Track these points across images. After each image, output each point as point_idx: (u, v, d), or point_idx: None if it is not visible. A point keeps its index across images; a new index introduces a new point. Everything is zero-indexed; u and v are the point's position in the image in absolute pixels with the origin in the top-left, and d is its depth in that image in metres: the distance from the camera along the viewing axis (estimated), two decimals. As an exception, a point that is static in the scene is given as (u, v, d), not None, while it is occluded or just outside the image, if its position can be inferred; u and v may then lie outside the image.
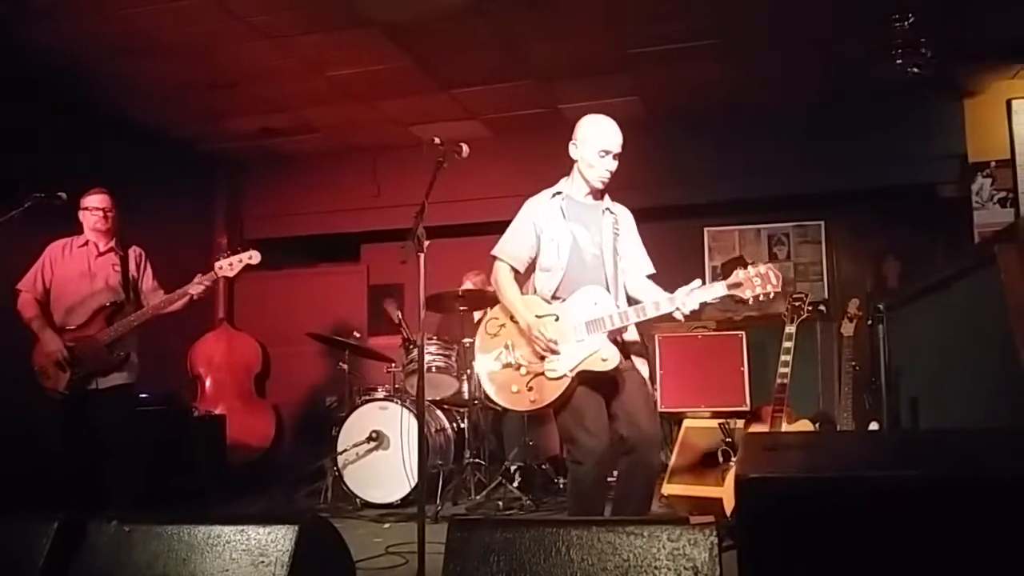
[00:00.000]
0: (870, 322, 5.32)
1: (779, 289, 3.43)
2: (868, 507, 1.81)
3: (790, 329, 4.52)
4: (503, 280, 3.83)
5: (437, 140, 3.71)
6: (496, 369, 3.78)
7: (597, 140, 3.70)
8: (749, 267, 3.48)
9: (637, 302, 3.67)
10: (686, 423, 5.43)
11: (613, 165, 3.72)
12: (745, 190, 7.65)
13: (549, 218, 3.79)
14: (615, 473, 3.73)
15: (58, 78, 6.33)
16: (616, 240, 3.79)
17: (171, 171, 7.70)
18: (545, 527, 2.36)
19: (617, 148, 3.71)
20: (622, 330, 3.67)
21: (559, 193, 3.84)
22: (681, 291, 3.52)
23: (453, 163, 3.78)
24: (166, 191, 7.35)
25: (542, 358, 3.63)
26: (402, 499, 5.84)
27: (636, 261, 3.85)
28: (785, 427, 4.37)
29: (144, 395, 5.93)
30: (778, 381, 4.44)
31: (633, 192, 6.75)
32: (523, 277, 3.89)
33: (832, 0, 5.52)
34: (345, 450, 6.00)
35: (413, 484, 5.72)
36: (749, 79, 6.84)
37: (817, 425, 4.70)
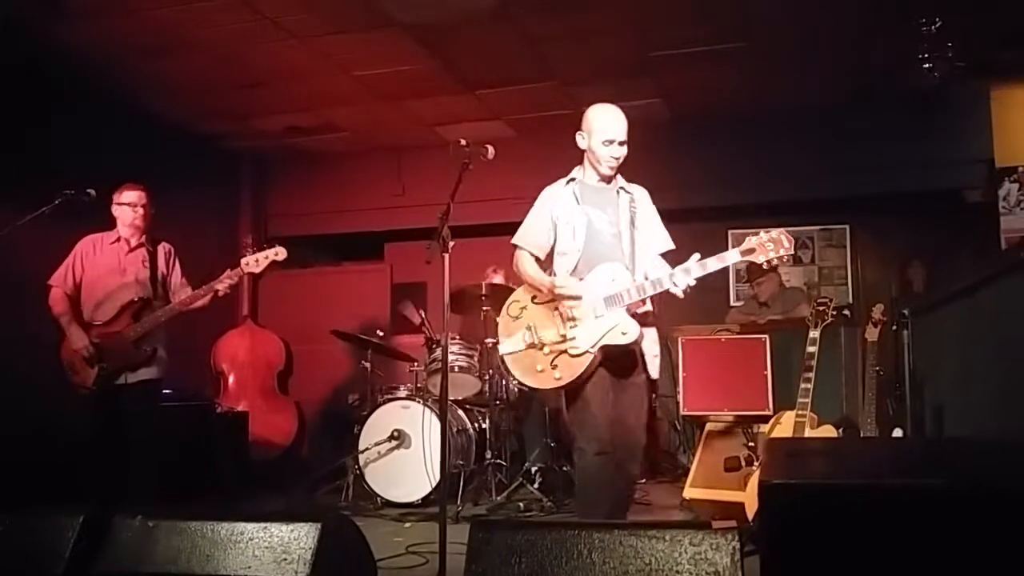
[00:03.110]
0: (895, 327, 5.27)
1: (792, 252, 3.46)
2: (891, 515, 1.80)
3: (814, 334, 4.49)
4: (523, 262, 3.92)
5: (463, 142, 3.74)
6: (520, 350, 3.83)
7: (601, 129, 3.78)
8: (761, 232, 3.52)
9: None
10: (708, 426, 5.40)
11: (620, 151, 3.79)
12: (769, 193, 7.62)
13: (563, 204, 3.88)
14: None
15: (88, 76, 6.40)
16: (634, 218, 3.84)
17: (197, 168, 7.74)
18: (567, 529, 2.36)
19: (621, 136, 3.77)
20: (640, 304, 3.70)
21: (573, 180, 3.93)
22: (679, 268, 3.57)
23: (478, 164, 3.80)
24: (192, 188, 7.38)
25: (564, 337, 3.69)
26: (423, 499, 5.83)
27: (650, 240, 3.87)
28: (808, 432, 4.34)
29: (168, 391, 5.98)
30: (802, 386, 4.41)
31: (656, 193, 6.73)
32: (544, 264, 3.95)
33: (858, 4, 5.49)
34: (367, 448, 6.01)
35: (434, 484, 5.72)
36: (773, 82, 6.81)
37: (840, 431, 4.66)
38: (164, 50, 6.05)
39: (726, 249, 8.11)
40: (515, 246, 3.97)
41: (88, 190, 4.69)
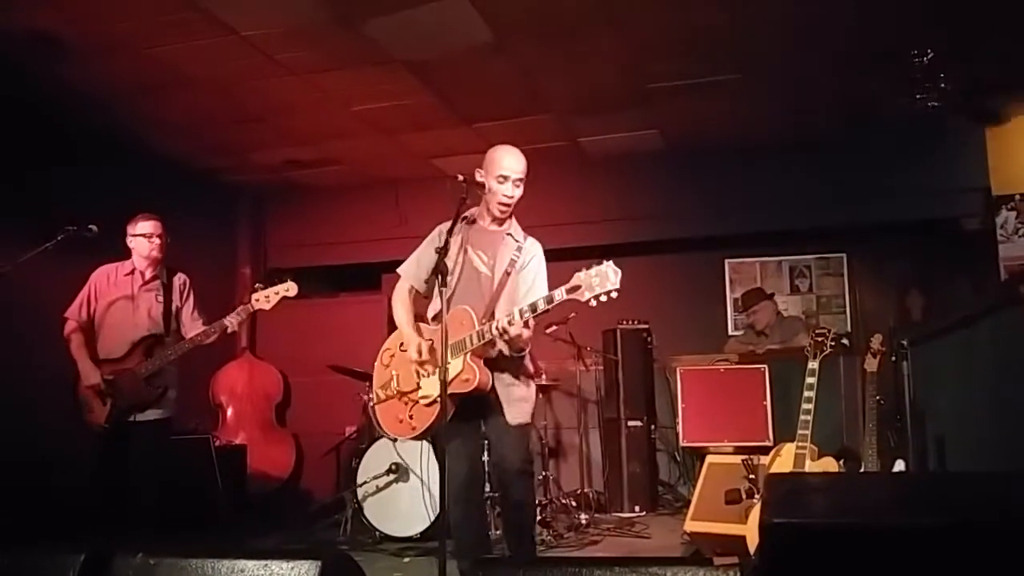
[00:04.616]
0: (894, 358, 5.27)
1: (618, 286, 3.32)
2: (895, 556, 1.79)
3: (813, 365, 4.48)
4: (397, 298, 3.98)
5: (460, 177, 3.75)
6: (383, 399, 3.92)
7: (496, 166, 3.82)
8: (591, 268, 3.38)
9: None
10: (709, 459, 5.38)
11: (513, 191, 3.82)
12: (766, 222, 7.64)
13: (451, 241, 3.87)
14: None
15: (88, 113, 6.43)
16: (513, 265, 3.83)
17: (196, 202, 7.75)
18: (567, 566, 2.34)
19: (516, 174, 3.81)
20: (488, 348, 3.68)
21: (465, 219, 3.92)
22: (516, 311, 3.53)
23: (475, 198, 3.82)
24: (191, 221, 7.36)
25: (417, 385, 3.76)
26: (422, 533, 5.80)
27: (523, 292, 3.83)
28: (809, 464, 4.33)
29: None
30: (801, 417, 4.40)
31: (654, 224, 6.77)
32: (425, 299, 3.99)
33: (852, 35, 5.54)
34: (365, 482, 5.98)
35: (433, 518, 5.69)
36: (769, 112, 6.84)
37: (841, 462, 4.64)
38: (163, 87, 6.07)
39: (723, 278, 8.13)
40: (398, 275, 4.03)
41: (90, 225, 4.64)
